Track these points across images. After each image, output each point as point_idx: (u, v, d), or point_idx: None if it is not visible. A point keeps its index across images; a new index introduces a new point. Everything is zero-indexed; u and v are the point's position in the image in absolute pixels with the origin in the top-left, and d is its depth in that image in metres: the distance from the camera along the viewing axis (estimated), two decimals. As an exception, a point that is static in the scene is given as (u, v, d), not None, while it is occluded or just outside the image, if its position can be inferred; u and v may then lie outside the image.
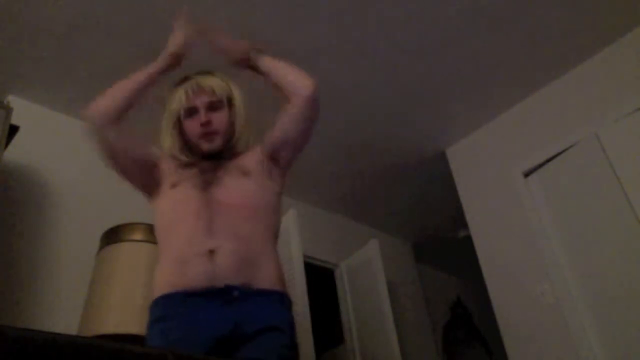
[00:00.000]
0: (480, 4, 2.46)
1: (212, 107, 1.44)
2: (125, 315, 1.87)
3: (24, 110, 2.51)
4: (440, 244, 4.60)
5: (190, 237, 1.32)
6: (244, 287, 1.27)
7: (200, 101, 1.44)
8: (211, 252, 1.28)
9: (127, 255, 2.02)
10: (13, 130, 2.20)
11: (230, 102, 1.48)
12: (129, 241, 2.05)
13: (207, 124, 1.41)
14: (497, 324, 2.88)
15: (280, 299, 1.32)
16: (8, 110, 2.18)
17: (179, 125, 1.48)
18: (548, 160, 2.90)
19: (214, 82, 1.47)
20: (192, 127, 1.43)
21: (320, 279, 3.66)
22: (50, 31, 2.33)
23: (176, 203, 1.40)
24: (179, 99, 1.44)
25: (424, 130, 3.33)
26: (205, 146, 1.43)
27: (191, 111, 1.44)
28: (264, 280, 1.31)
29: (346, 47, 2.63)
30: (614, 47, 2.79)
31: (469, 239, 3.22)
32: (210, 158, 1.45)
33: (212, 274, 1.26)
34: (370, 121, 3.17)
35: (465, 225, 3.28)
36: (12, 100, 2.45)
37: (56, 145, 2.67)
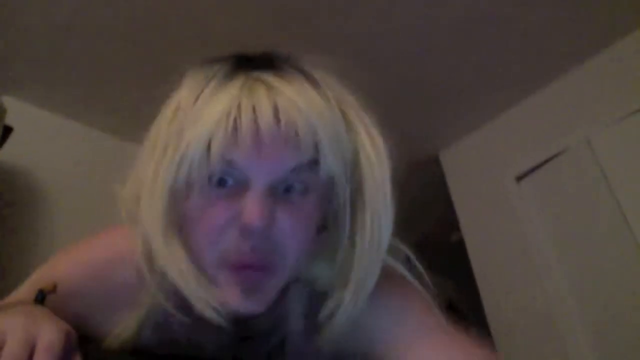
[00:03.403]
0: (473, 10, 2.47)
1: (289, 183, 0.54)
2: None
3: (18, 111, 2.50)
4: (433, 248, 4.61)
5: None
6: None
7: (259, 160, 0.51)
8: None
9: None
10: (7, 131, 2.19)
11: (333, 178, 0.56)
12: (122, 243, 2.04)
13: (262, 230, 0.50)
14: (488, 328, 2.89)
15: None
16: (2, 110, 2.18)
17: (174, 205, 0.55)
18: (540, 165, 2.91)
19: (313, 113, 0.54)
20: (207, 224, 0.53)
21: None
22: (45, 32, 2.33)
23: None
24: (196, 140, 0.51)
25: (416, 134, 3.34)
26: (227, 300, 0.53)
27: (222, 177, 0.53)
28: None
29: (338, 51, 2.64)
30: (606, 52, 2.81)
31: (461, 243, 3.23)
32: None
33: None
34: (364, 125, 3.18)
35: (457, 229, 3.29)
36: (7, 101, 2.44)
37: (51, 146, 2.66)
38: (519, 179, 2.99)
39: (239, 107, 0.51)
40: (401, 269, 0.65)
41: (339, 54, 2.87)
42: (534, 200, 2.90)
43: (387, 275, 0.61)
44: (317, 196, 0.54)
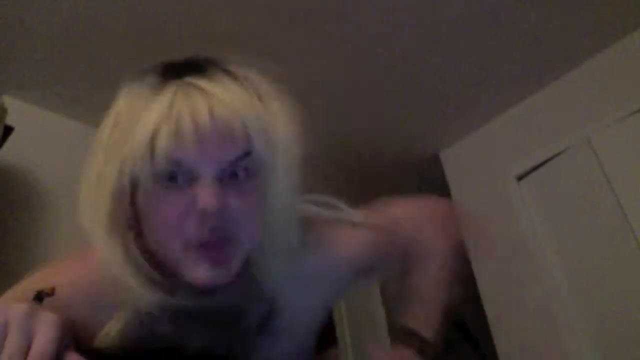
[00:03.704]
0: (474, 8, 2.47)
1: (232, 170, 0.59)
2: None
3: (19, 110, 2.50)
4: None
5: None
6: None
7: (204, 155, 0.57)
8: None
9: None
10: (8, 131, 2.20)
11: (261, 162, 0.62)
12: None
13: (218, 211, 0.56)
14: (489, 327, 2.89)
15: None
16: (3, 110, 2.18)
17: (130, 201, 0.60)
18: (541, 165, 2.92)
19: (243, 110, 0.59)
20: (165, 216, 0.57)
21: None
22: (46, 31, 2.33)
23: None
24: (143, 142, 0.56)
25: (417, 134, 3.34)
26: (197, 276, 0.58)
27: (172, 175, 0.57)
28: None
29: (338, 51, 2.64)
30: (606, 52, 2.81)
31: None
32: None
33: None
34: (362, 124, 3.18)
35: (458, 229, 3.29)
36: (7, 100, 2.44)
37: (51, 146, 2.66)
38: (520, 178, 3.00)
39: (178, 111, 0.56)
40: (325, 213, 0.79)
41: (339, 55, 2.90)
42: (534, 199, 2.91)
43: (321, 223, 0.77)
44: (258, 177, 0.60)
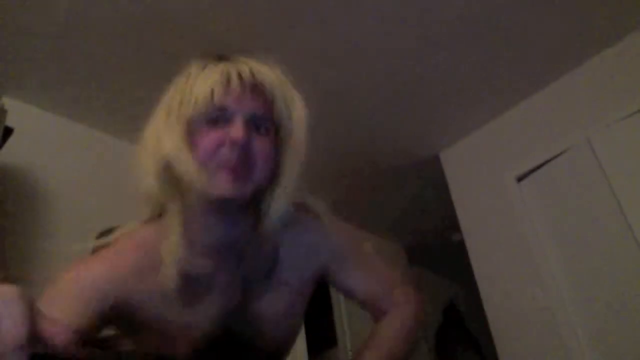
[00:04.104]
0: (473, 9, 2.47)
1: (257, 123, 0.81)
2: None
3: (18, 111, 2.50)
4: (434, 248, 4.61)
5: None
6: None
7: (241, 104, 0.80)
8: None
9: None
10: (8, 132, 2.19)
11: (279, 126, 0.85)
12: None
13: (244, 143, 0.77)
14: (489, 328, 2.89)
15: None
16: (2, 111, 2.18)
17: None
18: (541, 165, 2.92)
19: (272, 80, 0.84)
20: (208, 143, 0.79)
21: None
22: (46, 32, 2.33)
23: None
24: (202, 93, 0.79)
25: (417, 134, 3.34)
26: (222, 186, 0.77)
27: (217, 118, 0.79)
28: None
29: (338, 51, 2.64)
30: (606, 53, 2.81)
31: (462, 243, 3.23)
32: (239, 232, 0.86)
33: None
34: (363, 124, 3.19)
35: (458, 229, 3.30)
36: (7, 101, 2.44)
37: (51, 147, 2.66)
38: (520, 179, 3.00)
39: (228, 72, 0.81)
40: (327, 212, 1.00)
41: (339, 55, 2.89)
42: (534, 200, 2.91)
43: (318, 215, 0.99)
44: (273, 136, 0.84)
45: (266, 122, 0.82)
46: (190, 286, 0.83)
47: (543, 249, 2.76)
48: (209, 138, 0.79)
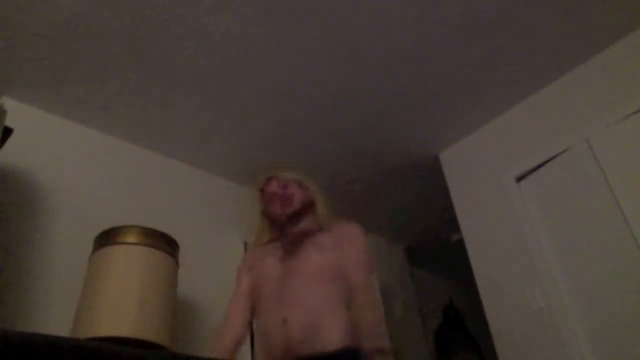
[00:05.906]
0: (473, 10, 2.48)
1: (284, 185, 1.92)
2: (118, 318, 1.86)
3: (18, 112, 2.50)
4: (433, 248, 4.62)
5: (268, 306, 1.65)
6: (311, 356, 1.47)
7: (275, 182, 1.94)
8: (284, 322, 1.54)
9: (120, 258, 2.01)
10: (7, 132, 2.19)
11: (301, 186, 1.93)
12: (122, 244, 2.04)
13: (282, 193, 1.89)
14: (488, 327, 2.89)
15: (351, 356, 1.49)
16: (2, 111, 2.17)
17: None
18: (540, 166, 2.92)
19: (287, 172, 1.96)
20: (270, 201, 1.90)
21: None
22: (45, 32, 2.33)
23: (263, 277, 1.74)
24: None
25: (417, 135, 3.35)
26: (279, 210, 1.86)
27: (270, 195, 1.92)
28: (330, 342, 1.50)
29: (337, 52, 2.64)
30: (606, 53, 2.82)
31: (461, 243, 3.23)
32: (290, 228, 1.86)
33: (285, 345, 1.51)
34: (363, 125, 3.19)
35: (458, 229, 3.30)
36: (6, 102, 2.44)
37: (51, 147, 2.66)
38: (519, 179, 3.00)
39: (269, 179, 1.99)
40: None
41: (339, 55, 2.89)
42: (533, 200, 2.91)
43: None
44: (294, 186, 1.96)
45: (287, 182, 1.93)
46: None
47: (542, 249, 2.76)
48: (268, 200, 1.94)
